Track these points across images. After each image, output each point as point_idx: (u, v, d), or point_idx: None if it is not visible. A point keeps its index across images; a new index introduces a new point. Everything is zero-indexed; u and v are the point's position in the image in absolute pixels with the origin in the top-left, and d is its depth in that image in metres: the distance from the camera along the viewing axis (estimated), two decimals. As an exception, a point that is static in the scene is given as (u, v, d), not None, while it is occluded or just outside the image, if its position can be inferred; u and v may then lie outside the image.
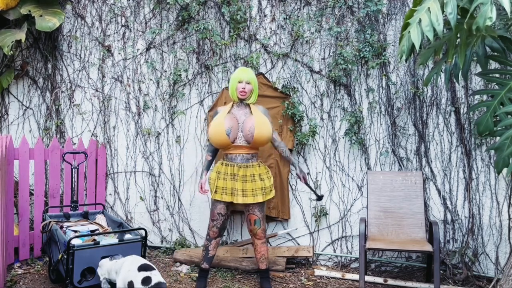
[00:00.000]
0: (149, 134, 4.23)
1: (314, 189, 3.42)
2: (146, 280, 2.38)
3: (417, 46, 2.11)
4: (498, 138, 3.54)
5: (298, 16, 3.99)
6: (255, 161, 3.24)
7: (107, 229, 3.38)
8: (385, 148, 3.87)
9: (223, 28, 4.11)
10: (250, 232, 3.30)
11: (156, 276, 2.44)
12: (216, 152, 3.36)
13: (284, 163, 3.95)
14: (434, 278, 3.15)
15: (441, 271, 3.63)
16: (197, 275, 3.57)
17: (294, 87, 3.99)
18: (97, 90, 4.31)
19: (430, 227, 3.44)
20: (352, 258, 3.92)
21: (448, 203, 3.76)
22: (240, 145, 3.17)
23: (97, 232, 3.22)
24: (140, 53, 4.25)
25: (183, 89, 4.17)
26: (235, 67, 4.08)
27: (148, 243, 4.17)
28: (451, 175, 3.77)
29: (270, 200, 3.91)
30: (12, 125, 4.37)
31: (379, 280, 3.55)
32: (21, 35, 3.91)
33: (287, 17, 3.99)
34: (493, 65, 3.46)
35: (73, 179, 3.65)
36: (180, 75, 4.10)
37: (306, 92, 4.00)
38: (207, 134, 3.21)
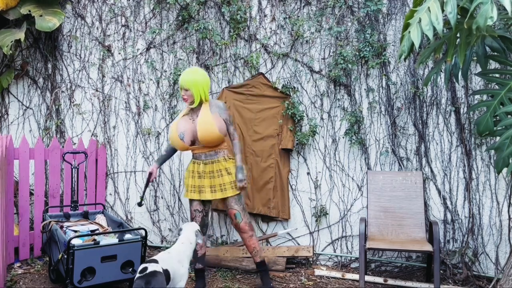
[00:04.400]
0: (149, 134, 4.23)
1: (144, 192, 3.47)
2: (142, 270, 2.54)
3: (416, 45, 2.11)
4: (498, 138, 3.54)
5: (298, 16, 3.99)
6: (221, 156, 3.22)
7: (107, 229, 3.38)
8: (385, 148, 3.87)
9: (223, 28, 4.12)
10: (235, 228, 3.30)
11: (153, 267, 2.55)
12: (173, 151, 3.40)
13: (284, 162, 3.95)
14: (434, 278, 3.15)
15: (441, 271, 3.63)
16: (197, 275, 3.59)
17: (294, 87, 3.99)
18: (97, 90, 4.31)
19: (430, 227, 3.44)
20: (352, 258, 3.92)
21: (448, 203, 3.76)
22: (199, 146, 3.21)
23: (97, 232, 3.22)
24: (140, 53, 4.26)
25: (183, 89, 4.17)
26: (235, 67, 4.08)
27: (148, 243, 4.17)
28: (451, 175, 3.76)
29: (271, 200, 3.91)
30: (12, 125, 4.37)
31: (379, 280, 3.55)
32: (20, 34, 3.91)
33: (287, 17, 3.99)
34: (493, 65, 3.46)
35: (73, 179, 3.65)
36: (180, 75, 4.10)
37: (306, 92, 4.00)
38: None
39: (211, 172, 3.18)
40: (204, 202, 3.28)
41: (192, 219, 3.28)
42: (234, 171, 3.21)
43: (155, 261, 2.62)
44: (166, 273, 2.61)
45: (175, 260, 2.75)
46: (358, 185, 3.93)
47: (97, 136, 4.28)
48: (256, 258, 3.32)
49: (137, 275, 2.53)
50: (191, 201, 3.29)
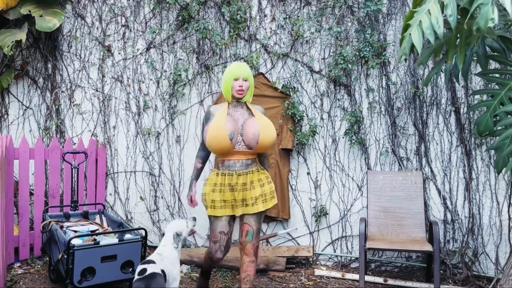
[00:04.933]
0: (149, 134, 4.23)
1: None
2: (141, 272, 2.52)
3: (418, 49, 2.11)
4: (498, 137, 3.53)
5: (298, 16, 3.99)
6: (255, 166, 2.80)
7: (107, 229, 3.38)
8: (385, 148, 3.87)
9: (223, 28, 4.11)
10: (240, 246, 2.80)
11: (152, 268, 2.53)
12: (207, 158, 2.93)
13: (284, 162, 3.95)
14: (434, 278, 3.15)
15: (441, 271, 3.63)
16: (197, 275, 3.58)
17: (294, 87, 3.99)
18: (97, 90, 4.31)
19: (430, 227, 3.44)
20: (352, 258, 3.92)
21: (448, 203, 3.76)
22: (241, 151, 2.74)
23: (97, 232, 3.22)
24: (140, 53, 4.25)
25: (183, 89, 4.17)
26: (235, 67, 4.07)
27: (148, 243, 4.17)
28: (451, 175, 3.77)
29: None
30: (12, 125, 4.37)
31: (379, 280, 3.55)
32: (22, 35, 3.91)
33: (287, 17, 3.99)
34: (493, 65, 3.46)
35: (73, 179, 3.65)
36: (180, 75, 4.10)
37: (306, 92, 4.00)
38: (202, 138, 2.84)
39: (244, 184, 2.73)
40: (229, 221, 2.79)
41: (216, 242, 2.75)
42: (265, 182, 2.79)
43: (153, 262, 2.60)
44: (163, 273, 2.60)
45: (167, 261, 2.70)
46: (358, 185, 3.93)
47: (97, 136, 4.28)
48: (245, 286, 2.76)
49: (136, 276, 2.51)
50: (215, 221, 2.76)
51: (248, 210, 2.74)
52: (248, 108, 2.84)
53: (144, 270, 2.52)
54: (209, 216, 2.79)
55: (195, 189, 2.89)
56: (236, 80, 2.76)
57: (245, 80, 2.77)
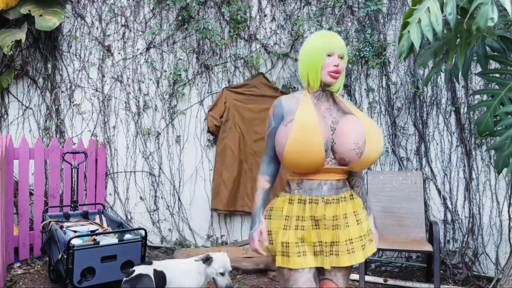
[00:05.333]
0: (149, 134, 4.23)
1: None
2: (129, 273, 2.52)
3: (416, 46, 2.10)
4: (498, 138, 3.53)
5: (298, 16, 3.99)
6: (347, 190, 1.82)
7: (107, 229, 3.37)
8: (385, 148, 3.87)
9: (223, 28, 4.11)
10: None
11: (140, 269, 2.54)
12: (276, 174, 1.88)
13: (284, 163, 3.94)
14: (434, 278, 3.15)
15: (441, 271, 3.63)
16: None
17: (294, 87, 3.98)
18: (97, 90, 4.31)
19: (430, 227, 3.44)
20: (352, 258, 3.92)
21: (448, 203, 3.76)
22: (329, 168, 1.76)
23: (97, 232, 3.22)
24: (140, 53, 4.25)
25: (183, 89, 4.17)
26: (235, 67, 4.08)
27: (148, 243, 4.17)
28: (451, 175, 3.76)
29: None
30: (12, 125, 4.37)
31: (379, 280, 3.55)
32: (21, 35, 3.91)
33: (287, 17, 3.99)
34: (493, 65, 3.46)
35: (73, 179, 3.65)
36: (180, 75, 4.10)
37: (306, 92, 3.99)
38: (269, 145, 1.85)
39: (335, 218, 1.73)
40: (315, 272, 1.75)
41: None
42: (362, 216, 1.82)
43: (149, 263, 2.61)
44: (161, 274, 2.58)
45: (178, 268, 2.64)
46: (358, 185, 3.92)
47: (97, 136, 4.28)
48: None
49: (124, 278, 2.52)
50: (292, 275, 1.72)
51: (342, 262, 1.73)
52: (335, 101, 1.85)
53: (132, 272, 2.52)
54: (279, 268, 1.76)
55: (264, 223, 1.82)
56: (330, 56, 1.76)
57: (341, 58, 1.79)
